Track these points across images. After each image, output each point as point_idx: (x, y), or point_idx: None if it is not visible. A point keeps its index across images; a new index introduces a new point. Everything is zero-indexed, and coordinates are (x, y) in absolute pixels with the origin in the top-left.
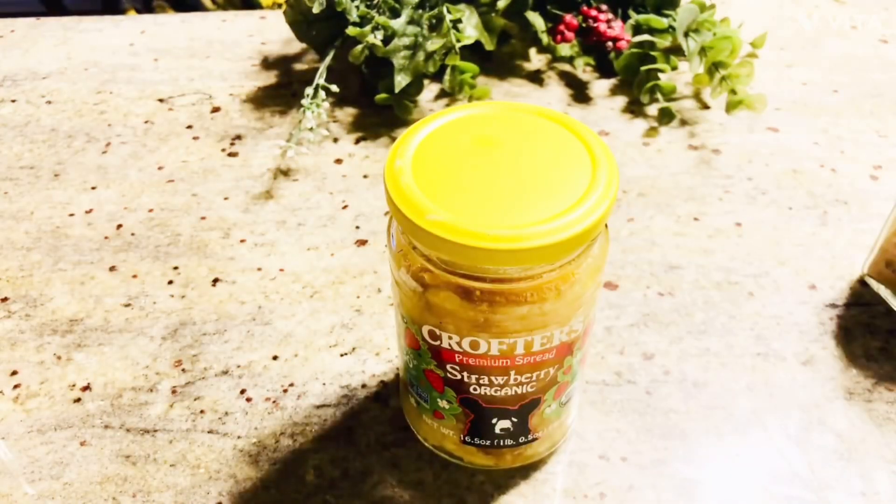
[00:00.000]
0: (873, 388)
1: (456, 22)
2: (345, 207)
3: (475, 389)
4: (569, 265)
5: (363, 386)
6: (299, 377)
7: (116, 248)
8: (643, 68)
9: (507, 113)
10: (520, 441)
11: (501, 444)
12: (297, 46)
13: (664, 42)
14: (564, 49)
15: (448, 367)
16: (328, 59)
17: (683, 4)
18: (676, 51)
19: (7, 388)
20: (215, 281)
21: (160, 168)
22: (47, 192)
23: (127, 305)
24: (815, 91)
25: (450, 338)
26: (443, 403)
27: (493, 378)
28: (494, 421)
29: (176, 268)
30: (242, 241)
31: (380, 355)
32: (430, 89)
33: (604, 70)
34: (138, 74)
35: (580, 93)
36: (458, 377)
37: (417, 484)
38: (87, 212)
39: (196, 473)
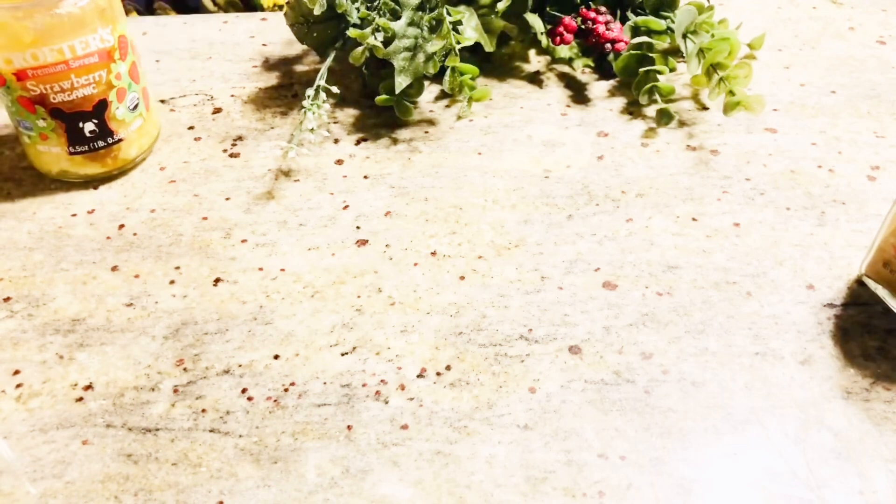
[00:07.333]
0: (871, 388)
1: (456, 24)
2: (345, 208)
3: (55, 98)
4: None
5: (363, 385)
6: (300, 376)
7: (118, 248)
8: (642, 70)
9: None
10: (108, 141)
11: (96, 146)
12: (297, 48)
13: (662, 43)
14: (563, 51)
15: (28, 85)
16: (329, 61)
17: (682, 6)
18: (675, 52)
19: (9, 387)
20: (217, 281)
21: (162, 168)
22: (50, 192)
23: (129, 305)
24: (812, 92)
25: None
26: (41, 123)
27: (62, 84)
28: (81, 125)
29: (178, 268)
30: (244, 241)
31: (380, 354)
32: (431, 90)
33: (603, 71)
34: None
35: (579, 94)
36: (38, 91)
37: (417, 483)
38: (89, 212)
39: (197, 472)
